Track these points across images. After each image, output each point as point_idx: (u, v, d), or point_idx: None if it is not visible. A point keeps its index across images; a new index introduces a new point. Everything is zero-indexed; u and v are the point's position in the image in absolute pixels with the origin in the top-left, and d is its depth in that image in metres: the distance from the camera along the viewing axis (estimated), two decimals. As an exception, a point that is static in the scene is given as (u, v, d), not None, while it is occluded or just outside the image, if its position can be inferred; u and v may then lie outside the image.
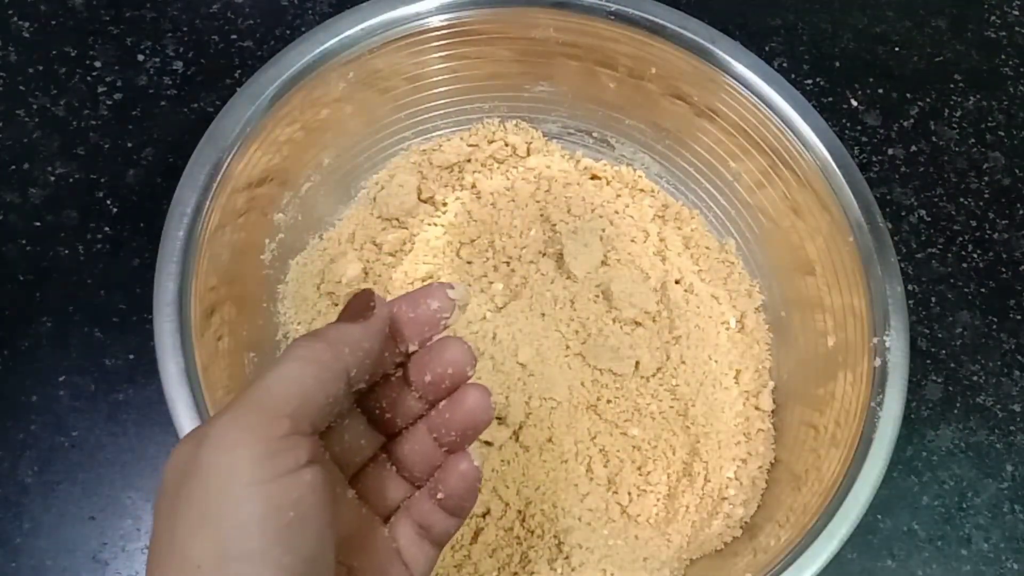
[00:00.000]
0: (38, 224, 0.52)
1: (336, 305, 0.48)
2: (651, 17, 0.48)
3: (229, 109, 0.43)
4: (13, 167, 0.53)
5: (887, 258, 0.44)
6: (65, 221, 0.52)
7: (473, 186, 0.52)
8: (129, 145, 0.54)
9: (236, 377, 0.43)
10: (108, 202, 0.52)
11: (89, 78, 0.56)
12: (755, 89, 0.47)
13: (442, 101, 0.52)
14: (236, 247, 0.44)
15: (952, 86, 0.63)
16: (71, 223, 0.52)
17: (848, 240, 0.45)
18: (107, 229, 0.52)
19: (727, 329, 0.50)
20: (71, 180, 0.53)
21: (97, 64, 0.56)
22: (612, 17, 0.48)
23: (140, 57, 0.57)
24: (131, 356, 0.49)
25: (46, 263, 0.51)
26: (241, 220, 0.44)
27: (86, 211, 0.52)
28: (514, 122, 0.53)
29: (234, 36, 0.58)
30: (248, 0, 0.59)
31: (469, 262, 0.50)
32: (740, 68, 0.47)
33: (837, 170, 0.46)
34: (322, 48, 0.45)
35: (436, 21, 0.47)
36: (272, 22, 0.59)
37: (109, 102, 0.55)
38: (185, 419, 0.37)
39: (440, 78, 0.50)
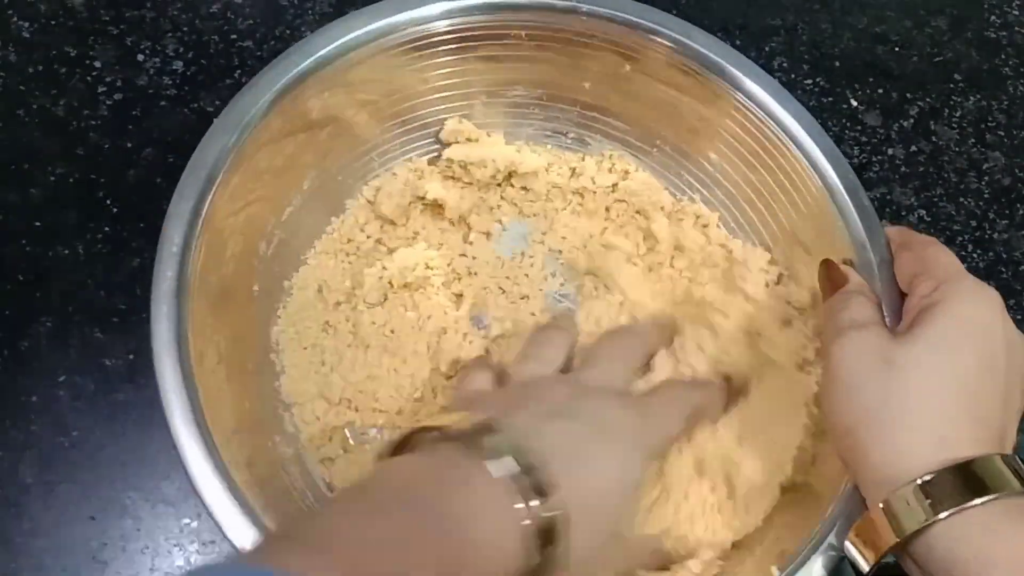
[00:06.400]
0: (38, 224, 0.52)
1: (338, 304, 0.48)
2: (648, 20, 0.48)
3: (209, 138, 0.42)
4: (13, 167, 0.53)
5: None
6: (65, 221, 0.52)
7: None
8: (129, 145, 0.54)
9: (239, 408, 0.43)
10: (108, 202, 0.52)
11: (89, 78, 0.56)
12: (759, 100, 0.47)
13: (431, 109, 0.51)
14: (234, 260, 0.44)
15: (952, 86, 0.63)
16: (71, 223, 0.52)
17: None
18: (107, 229, 0.52)
19: None
20: (71, 180, 0.53)
21: (97, 64, 0.56)
22: (584, 16, 0.47)
23: (140, 57, 0.57)
24: (131, 356, 0.49)
25: (46, 263, 0.51)
26: (239, 225, 0.44)
27: (86, 211, 0.52)
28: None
29: (234, 36, 0.58)
30: (248, 0, 0.59)
31: (474, 258, 0.50)
32: (741, 74, 0.47)
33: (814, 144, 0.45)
34: (297, 69, 0.44)
35: (442, 26, 0.47)
36: (272, 22, 0.59)
37: (109, 102, 0.55)
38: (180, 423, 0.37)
39: (439, 83, 0.50)
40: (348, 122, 0.49)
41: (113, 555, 0.45)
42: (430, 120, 0.51)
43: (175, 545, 0.45)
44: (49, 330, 0.49)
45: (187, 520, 0.46)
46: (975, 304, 0.36)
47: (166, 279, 0.39)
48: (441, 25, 0.47)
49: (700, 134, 0.50)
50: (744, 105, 0.47)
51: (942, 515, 0.31)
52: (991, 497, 0.31)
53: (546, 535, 0.32)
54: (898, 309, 0.39)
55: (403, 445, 0.36)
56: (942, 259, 0.38)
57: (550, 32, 0.48)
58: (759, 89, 0.46)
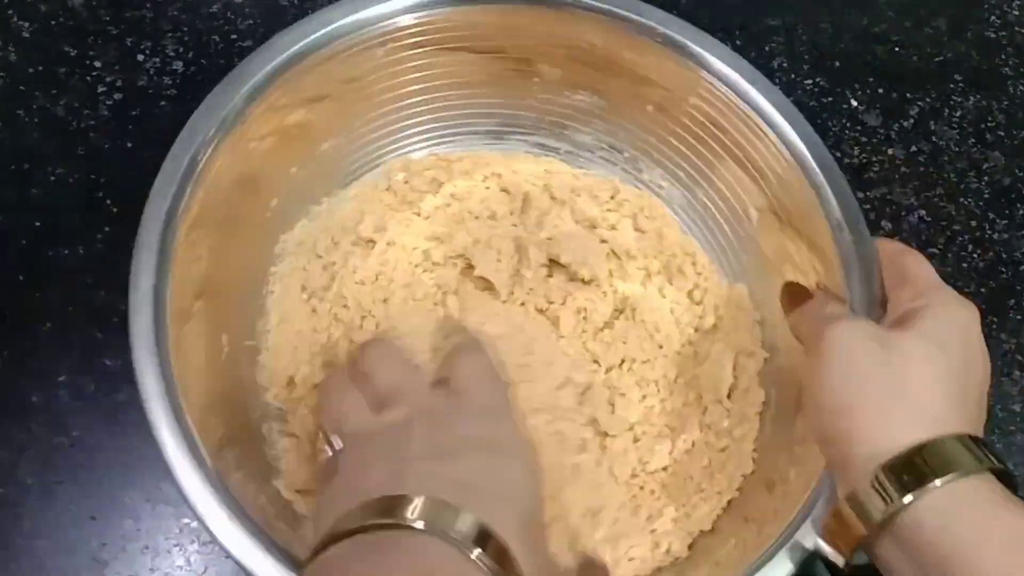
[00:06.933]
0: (38, 224, 0.52)
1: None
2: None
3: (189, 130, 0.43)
4: (13, 167, 0.53)
5: (869, 266, 0.42)
6: (65, 221, 0.52)
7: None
8: (129, 145, 0.54)
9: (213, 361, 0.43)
10: (108, 202, 0.52)
11: (89, 78, 0.56)
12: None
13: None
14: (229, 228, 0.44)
15: (952, 86, 0.63)
16: (71, 223, 0.52)
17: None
18: (107, 229, 0.52)
19: None
20: (71, 180, 0.53)
21: (97, 64, 0.56)
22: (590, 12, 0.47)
23: (140, 57, 0.57)
24: (131, 356, 0.49)
25: (46, 263, 0.51)
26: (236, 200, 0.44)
27: (86, 211, 0.52)
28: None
29: (234, 36, 0.58)
30: (248, 0, 0.59)
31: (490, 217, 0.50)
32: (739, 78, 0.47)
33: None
34: (303, 42, 0.45)
35: (410, 19, 0.47)
36: (272, 22, 0.59)
37: (109, 102, 0.55)
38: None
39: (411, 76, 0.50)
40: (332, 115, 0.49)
41: (113, 555, 0.45)
42: (416, 118, 0.52)
43: (175, 545, 0.45)
44: (49, 330, 0.49)
45: (187, 520, 0.46)
46: (959, 311, 0.37)
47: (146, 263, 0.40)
48: (409, 18, 0.46)
49: (667, 112, 0.50)
50: (720, 91, 0.47)
51: (909, 496, 0.32)
52: (949, 477, 0.32)
53: None
54: (876, 300, 0.41)
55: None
56: (921, 270, 0.40)
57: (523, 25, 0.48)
58: (735, 74, 0.46)
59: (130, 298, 0.39)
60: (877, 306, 0.41)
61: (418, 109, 0.51)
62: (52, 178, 0.53)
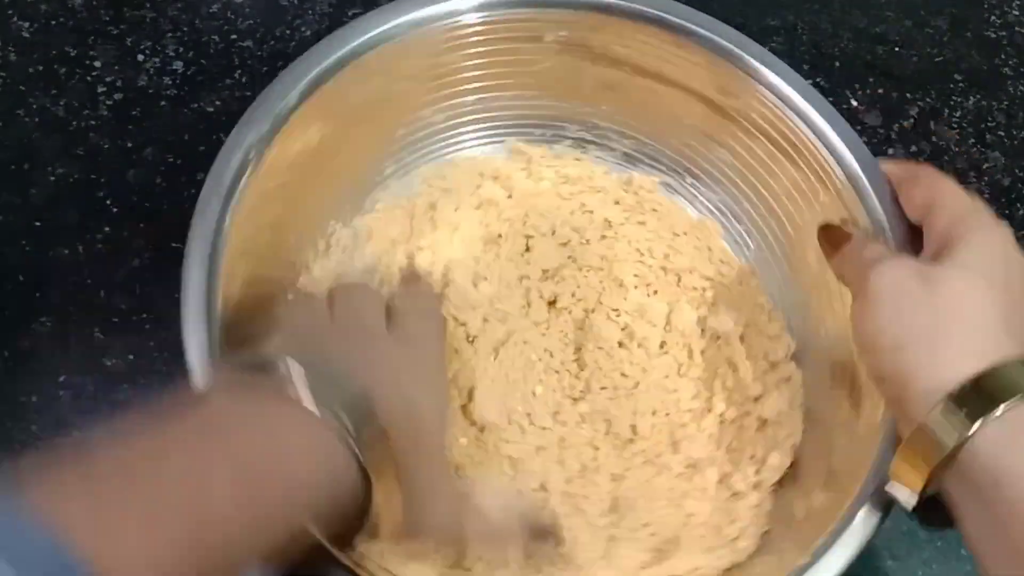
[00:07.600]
0: (38, 224, 0.52)
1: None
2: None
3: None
4: (13, 167, 0.53)
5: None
6: (65, 221, 0.52)
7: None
8: (129, 145, 0.54)
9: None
10: (108, 202, 0.52)
11: (89, 78, 0.56)
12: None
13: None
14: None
15: (952, 86, 0.63)
16: (71, 223, 0.52)
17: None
18: (107, 229, 0.52)
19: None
20: (71, 180, 0.53)
21: (97, 64, 0.56)
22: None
23: (140, 57, 0.57)
24: (131, 356, 0.49)
25: (46, 263, 0.51)
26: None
27: (86, 211, 0.52)
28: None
29: (234, 36, 0.58)
30: (248, 0, 0.59)
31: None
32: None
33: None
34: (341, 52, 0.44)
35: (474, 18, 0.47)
36: (272, 22, 0.59)
37: (109, 102, 0.55)
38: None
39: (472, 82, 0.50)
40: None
41: (113, 555, 0.45)
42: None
43: (175, 545, 0.45)
44: (49, 330, 0.49)
45: (187, 520, 0.46)
46: (996, 235, 0.38)
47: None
48: (473, 17, 0.47)
49: (713, 136, 0.50)
50: (768, 100, 0.48)
51: (978, 423, 0.32)
52: (1012, 401, 0.32)
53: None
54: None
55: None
56: (955, 193, 0.40)
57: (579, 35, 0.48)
58: (785, 84, 0.47)
59: (189, 235, 0.39)
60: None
61: (502, 103, 0.51)
62: (52, 178, 0.53)
